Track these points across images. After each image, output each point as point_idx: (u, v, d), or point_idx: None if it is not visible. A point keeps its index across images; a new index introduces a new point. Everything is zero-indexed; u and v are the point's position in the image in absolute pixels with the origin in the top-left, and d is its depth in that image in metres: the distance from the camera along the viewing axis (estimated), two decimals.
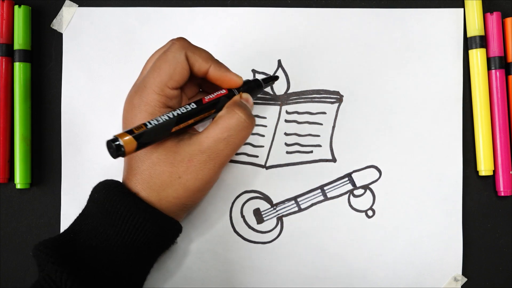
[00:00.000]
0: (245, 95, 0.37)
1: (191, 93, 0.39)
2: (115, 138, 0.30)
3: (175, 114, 0.33)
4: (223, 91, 0.36)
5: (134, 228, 0.33)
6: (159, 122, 0.32)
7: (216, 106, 0.36)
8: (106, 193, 0.34)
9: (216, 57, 0.44)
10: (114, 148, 0.30)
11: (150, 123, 0.32)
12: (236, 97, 0.36)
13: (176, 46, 0.34)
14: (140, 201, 0.34)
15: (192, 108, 0.34)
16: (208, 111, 0.35)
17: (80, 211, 0.43)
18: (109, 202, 0.33)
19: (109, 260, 0.33)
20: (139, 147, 0.31)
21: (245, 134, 0.35)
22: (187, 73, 0.35)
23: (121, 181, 0.37)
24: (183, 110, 0.34)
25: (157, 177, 0.34)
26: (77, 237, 0.33)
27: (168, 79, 0.34)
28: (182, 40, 0.35)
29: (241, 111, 0.34)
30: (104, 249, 0.33)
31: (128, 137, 0.30)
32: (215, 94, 0.36)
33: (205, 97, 0.35)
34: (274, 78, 0.41)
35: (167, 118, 0.33)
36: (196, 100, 0.35)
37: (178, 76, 0.34)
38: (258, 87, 0.39)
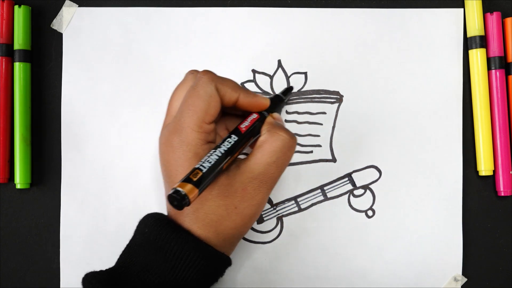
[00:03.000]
0: (276, 115, 0.38)
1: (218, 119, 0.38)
2: (178, 190, 0.29)
3: (223, 151, 0.33)
4: (255, 116, 0.36)
5: (188, 265, 0.32)
6: (212, 163, 0.31)
7: (253, 132, 0.35)
8: (158, 229, 0.33)
9: (216, 57, 0.44)
10: (179, 200, 0.29)
11: (204, 166, 0.31)
12: (270, 119, 0.37)
13: (205, 80, 0.34)
14: (194, 238, 0.33)
15: (234, 140, 0.34)
16: (248, 139, 0.35)
17: (79, 210, 0.43)
18: (162, 239, 0.33)
19: None
20: (200, 192, 0.31)
21: (291, 153, 0.35)
22: (219, 105, 0.34)
23: (166, 213, 0.37)
24: (227, 145, 0.33)
25: (213, 212, 0.33)
26: (129, 271, 0.33)
27: (204, 115, 0.33)
28: (209, 73, 0.35)
29: (283, 132, 0.35)
30: (157, 284, 0.32)
31: (190, 186, 0.30)
32: (249, 120, 0.36)
33: (241, 126, 0.35)
34: (290, 88, 0.42)
35: (217, 157, 0.32)
36: (233, 130, 0.35)
37: (213, 110, 0.34)
38: (280, 102, 0.40)
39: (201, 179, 0.30)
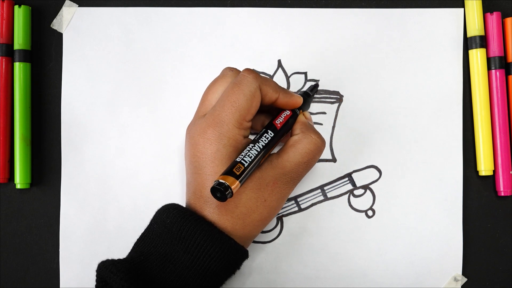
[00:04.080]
0: (307, 114, 0.40)
1: None
2: (223, 183, 0.31)
3: (261, 147, 0.34)
4: (288, 113, 0.37)
5: (210, 257, 0.33)
6: (252, 158, 0.33)
7: (286, 128, 0.37)
8: (181, 220, 0.34)
9: (216, 57, 0.44)
10: (223, 192, 0.31)
11: (246, 161, 0.33)
12: (302, 118, 0.38)
13: (250, 79, 0.35)
14: (218, 231, 0.34)
15: (271, 136, 0.35)
16: (282, 135, 0.37)
17: (79, 210, 0.43)
18: (186, 230, 0.33)
19: (181, 286, 0.33)
20: (240, 185, 0.32)
21: (319, 156, 0.37)
22: (259, 104, 0.36)
23: (185, 204, 0.37)
24: (265, 140, 0.35)
25: (243, 205, 0.35)
26: (148, 260, 0.34)
27: (246, 113, 0.35)
28: (253, 72, 0.36)
29: (316, 135, 0.36)
30: (177, 274, 0.33)
31: (232, 179, 0.31)
32: (283, 117, 0.37)
33: (276, 122, 0.37)
34: (316, 85, 0.42)
35: (256, 152, 0.34)
36: (269, 126, 0.36)
37: (254, 109, 0.35)
38: (309, 99, 0.41)
39: (243, 173, 0.32)
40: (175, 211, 0.35)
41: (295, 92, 0.40)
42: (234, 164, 0.32)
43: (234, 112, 0.34)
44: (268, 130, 0.36)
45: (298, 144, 0.36)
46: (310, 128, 0.37)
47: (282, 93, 0.37)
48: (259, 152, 0.34)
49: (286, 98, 0.37)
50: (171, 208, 0.35)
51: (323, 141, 0.37)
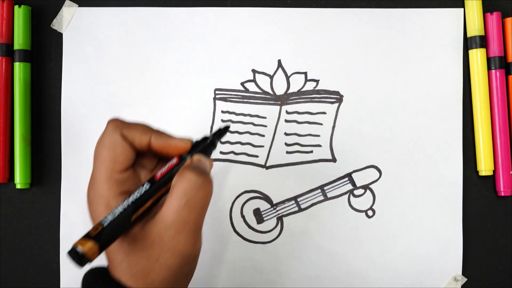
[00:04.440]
0: (196, 157, 0.33)
1: (151, 165, 0.35)
2: (74, 248, 0.27)
3: (130, 203, 0.30)
4: (174, 161, 0.33)
5: None
6: (116, 216, 0.29)
7: (172, 178, 0.32)
8: (91, 282, 0.32)
9: (216, 57, 0.44)
10: (77, 258, 0.27)
11: (106, 220, 0.29)
12: (187, 162, 0.33)
13: (110, 128, 0.33)
14: None
15: (146, 190, 0.31)
16: (164, 186, 0.32)
17: (79, 210, 0.43)
18: None
19: None
20: (103, 248, 0.28)
21: (203, 193, 0.31)
22: (130, 152, 0.32)
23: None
24: (137, 195, 0.31)
25: (136, 264, 0.31)
26: None
27: (113, 164, 0.32)
28: (114, 121, 0.33)
29: (191, 171, 0.31)
30: None
31: (87, 243, 0.28)
32: (166, 166, 0.32)
33: (157, 173, 0.32)
34: (225, 129, 0.36)
35: (122, 209, 0.30)
36: (149, 179, 0.32)
37: (121, 157, 0.32)
38: (210, 145, 0.35)
39: (101, 234, 0.28)
40: (87, 273, 0.33)
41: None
42: (96, 225, 0.29)
43: (100, 166, 0.32)
44: (145, 183, 0.31)
45: (173, 189, 0.31)
46: (189, 167, 0.32)
47: (155, 136, 0.33)
48: (126, 209, 0.30)
49: (161, 141, 0.33)
50: (88, 271, 0.33)
51: (199, 175, 0.31)
